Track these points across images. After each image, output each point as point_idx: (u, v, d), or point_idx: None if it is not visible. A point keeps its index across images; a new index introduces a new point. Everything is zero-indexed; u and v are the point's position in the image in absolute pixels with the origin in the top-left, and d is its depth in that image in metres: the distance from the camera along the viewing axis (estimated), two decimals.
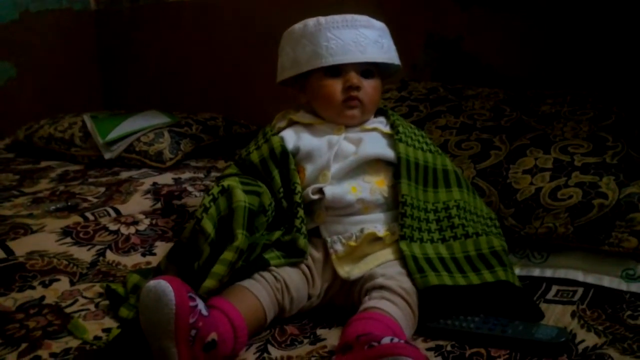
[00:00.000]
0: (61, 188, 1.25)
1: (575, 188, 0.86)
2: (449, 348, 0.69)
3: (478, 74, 1.35)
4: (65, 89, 2.05)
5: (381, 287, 0.72)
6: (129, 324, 0.70)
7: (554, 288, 0.82)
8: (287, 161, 0.83)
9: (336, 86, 0.85)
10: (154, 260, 0.91)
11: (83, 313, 0.75)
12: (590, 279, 0.82)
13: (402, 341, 0.61)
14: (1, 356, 0.65)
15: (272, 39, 0.97)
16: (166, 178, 1.35)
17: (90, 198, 1.17)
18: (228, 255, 0.72)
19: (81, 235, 0.94)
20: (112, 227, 0.98)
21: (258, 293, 0.73)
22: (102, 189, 1.23)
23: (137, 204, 1.13)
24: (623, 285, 0.79)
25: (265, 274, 0.75)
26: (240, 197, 0.76)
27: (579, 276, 0.83)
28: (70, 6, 2.11)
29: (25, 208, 1.10)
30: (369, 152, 0.83)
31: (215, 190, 0.77)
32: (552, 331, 0.67)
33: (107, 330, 0.72)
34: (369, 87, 0.86)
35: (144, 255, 0.93)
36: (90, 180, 1.35)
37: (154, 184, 1.28)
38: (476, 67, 1.37)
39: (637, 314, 0.73)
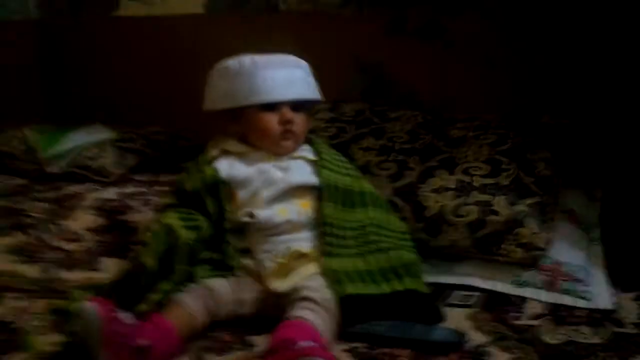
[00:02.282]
0: (4, 204, 1.29)
1: (473, 206, 0.99)
2: (361, 349, 0.81)
3: (401, 98, 1.48)
4: (6, 99, 2.05)
5: (305, 299, 0.83)
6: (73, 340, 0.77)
7: (456, 293, 0.95)
8: (218, 191, 0.92)
9: (272, 120, 0.96)
10: (97, 277, 0.98)
11: (30, 329, 0.82)
12: (486, 285, 0.95)
13: (317, 345, 0.71)
14: None
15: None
16: (110, 193, 1.40)
17: (33, 214, 1.22)
18: (166, 286, 0.82)
19: (26, 253, 1.00)
20: (56, 243, 1.05)
21: (187, 302, 0.82)
22: (45, 205, 1.28)
23: (82, 221, 1.19)
24: (512, 290, 0.93)
25: (194, 285, 0.85)
26: (183, 235, 0.85)
27: (477, 282, 0.96)
28: (9, 16, 2.11)
29: None
30: (295, 180, 0.94)
31: (159, 228, 0.86)
32: (447, 333, 0.80)
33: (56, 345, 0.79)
34: (299, 120, 0.98)
35: (89, 270, 1.00)
36: (35, 194, 1.39)
37: (98, 199, 1.35)
38: (399, 91, 1.50)
39: (519, 315, 0.87)
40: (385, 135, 1.22)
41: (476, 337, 0.81)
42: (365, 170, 1.12)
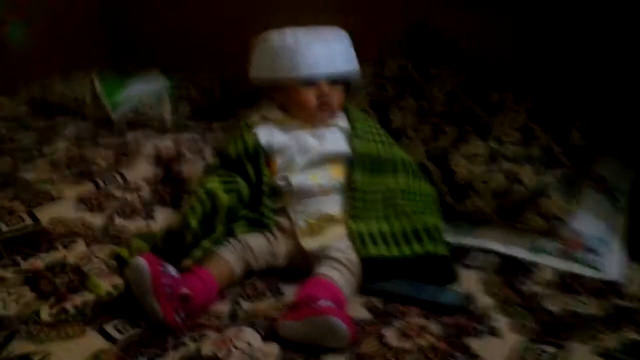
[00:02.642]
0: (75, 151, 1.44)
1: (500, 174, 1.03)
2: (377, 304, 0.90)
3: (447, 54, 1.47)
4: (73, 45, 2.18)
5: (331, 258, 0.92)
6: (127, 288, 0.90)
7: (474, 254, 1.02)
8: (258, 157, 1.01)
9: (310, 94, 1.02)
10: (154, 225, 1.11)
11: (96, 271, 0.96)
12: (504, 249, 1.01)
13: (335, 305, 0.81)
14: (35, 307, 0.87)
15: None
16: (167, 141, 1.52)
17: (99, 161, 1.36)
18: (207, 243, 0.93)
19: (92, 202, 1.14)
20: (117, 193, 1.18)
21: (226, 256, 0.94)
22: (109, 152, 1.41)
23: (140, 169, 1.32)
24: (527, 256, 0.99)
25: (232, 239, 0.96)
26: (224, 199, 0.95)
27: (495, 246, 1.02)
28: None
29: (45, 172, 1.30)
30: (328, 149, 1.02)
31: (202, 193, 0.96)
32: (454, 297, 0.87)
33: (116, 287, 0.93)
34: (336, 93, 1.04)
35: (145, 219, 1.13)
36: (100, 141, 1.53)
37: (156, 147, 1.47)
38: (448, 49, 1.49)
39: (528, 281, 0.92)
40: (423, 97, 1.26)
41: (483, 300, 0.89)
42: (400, 132, 1.17)
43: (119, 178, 1.27)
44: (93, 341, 0.81)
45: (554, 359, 0.74)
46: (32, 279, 0.93)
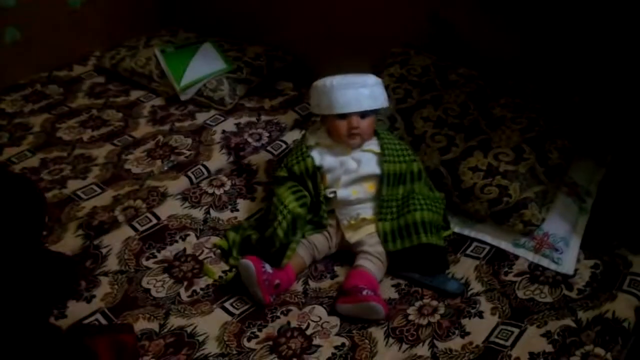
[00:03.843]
0: (160, 138, 1.80)
1: (495, 187, 1.39)
2: (403, 286, 1.32)
3: (464, 49, 1.75)
4: (126, 9, 2.42)
5: (366, 252, 1.34)
6: (236, 279, 1.32)
7: (474, 244, 1.42)
8: (316, 176, 1.39)
9: (342, 126, 1.38)
10: (239, 215, 1.51)
11: (208, 259, 1.39)
12: (494, 242, 1.40)
13: (372, 293, 1.23)
14: (176, 290, 1.30)
15: None
16: (230, 124, 1.88)
17: (184, 151, 1.73)
18: (294, 245, 1.34)
19: (193, 199, 1.54)
20: (209, 190, 1.57)
21: (300, 252, 1.35)
22: (189, 141, 1.77)
23: (218, 160, 1.69)
24: (510, 249, 1.38)
25: (304, 240, 1.37)
26: (301, 213, 1.34)
27: (488, 239, 1.41)
28: None
29: (146, 164, 1.67)
30: (364, 171, 1.40)
31: (286, 212, 1.33)
32: (456, 285, 1.29)
33: (224, 272, 1.36)
34: (365, 124, 1.39)
35: (232, 211, 1.53)
36: (176, 124, 1.88)
37: (223, 131, 1.83)
38: (463, 43, 1.76)
39: (509, 272, 1.33)
40: (441, 107, 1.58)
41: (475, 286, 1.30)
42: (422, 139, 1.52)
43: (204, 170, 1.65)
44: (220, 315, 1.26)
45: (515, 337, 1.16)
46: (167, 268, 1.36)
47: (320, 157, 1.41)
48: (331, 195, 1.39)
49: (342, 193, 1.39)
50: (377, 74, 1.70)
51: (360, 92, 1.37)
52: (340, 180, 1.39)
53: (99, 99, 2.05)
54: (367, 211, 1.39)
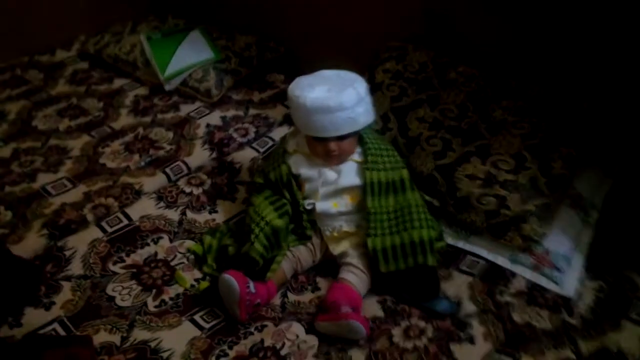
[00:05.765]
0: (140, 130, 1.70)
1: (493, 198, 1.28)
2: (389, 303, 1.22)
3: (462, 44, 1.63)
4: None
5: (349, 264, 1.24)
6: (209, 289, 1.22)
7: (467, 258, 1.31)
8: (291, 184, 1.28)
9: (319, 148, 1.25)
10: (218, 218, 1.41)
11: (181, 266, 1.29)
12: (490, 257, 1.30)
13: (353, 310, 1.13)
14: (143, 299, 1.21)
15: None
16: (215, 117, 1.77)
17: (165, 145, 1.63)
18: (280, 258, 1.23)
19: (169, 199, 1.43)
20: (187, 189, 1.47)
21: (283, 266, 1.25)
22: (171, 135, 1.67)
23: (199, 157, 1.59)
24: (508, 265, 1.28)
25: (287, 252, 1.27)
26: (281, 224, 1.23)
27: (484, 253, 1.31)
28: None
29: (122, 159, 1.57)
30: (344, 183, 1.27)
31: (263, 224, 1.22)
32: (447, 305, 1.18)
33: (197, 280, 1.26)
34: (344, 145, 1.25)
35: (210, 213, 1.43)
36: (159, 116, 1.78)
37: (208, 125, 1.72)
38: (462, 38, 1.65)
39: (505, 291, 1.22)
40: (438, 107, 1.46)
41: (467, 307, 1.20)
42: (416, 141, 1.41)
43: (184, 167, 1.55)
44: (188, 328, 1.16)
45: None
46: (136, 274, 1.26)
47: (298, 165, 1.30)
48: (309, 207, 1.28)
49: (321, 206, 1.28)
50: (372, 69, 1.62)
51: (337, 116, 1.20)
52: (318, 191, 1.28)
53: (80, 86, 1.95)
54: (349, 224, 1.29)
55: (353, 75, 1.28)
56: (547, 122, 1.38)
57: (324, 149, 1.24)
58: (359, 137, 1.30)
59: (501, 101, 1.45)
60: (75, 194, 1.44)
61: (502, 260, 1.29)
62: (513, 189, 1.28)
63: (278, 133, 1.69)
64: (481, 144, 1.37)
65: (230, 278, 1.14)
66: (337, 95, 1.19)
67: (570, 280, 1.23)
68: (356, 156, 1.29)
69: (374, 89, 1.53)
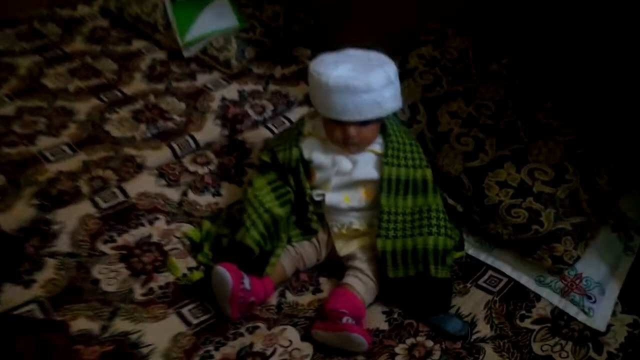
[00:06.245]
0: (151, 98, 1.59)
1: (525, 210, 1.15)
2: (395, 315, 1.10)
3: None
4: None
5: (356, 269, 1.12)
6: (202, 281, 1.12)
7: (489, 274, 1.18)
8: (298, 171, 1.15)
9: (338, 132, 1.11)
10: (221, 202, 1.31)
11: (175, 252, 1.19)
12: (514, 275, 1.17)
13: (354, 322, 1.02)
14: (130, 285, 1.12)
15: None
16: (232, 91, 1.65)
17: (175, 117, 1.52)
18: (279, 251, 1.13)
19: (171, 177, 1.33)
20: (191, 167, 1.36)
21: (283, 261, 1.14)
22: (183, 106, 1.56)
23: (209, 132, 1.48)
24: (533, 287, 1.14)
25: (289, 246, 1.16)
26: (281, 214, 1.12)
27: (507, 270, 1.18)
28: None
29: (128, 127, 1.47)
30: (360, 175, 1.14)
31: (262, 211, 1.11)
32: (458, 326, 1.06)
33: (190, 269, 1.16)
34: (365, 132, 1.11)
35: (213, 195, 1.32)
36: (173, 84, 1.67)
37: (223, 99, 1.61)
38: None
39: (526, 317, 1.10)
40: (474, 102, 1.32)
41: (482, 329, 1.07)
42: (445, 138, 1.27)
43: (191, 142, 1.44)
44: (174, 322, 1.07)
45: None
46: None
47: (311, 150, 1.17)
48: (318, 199, 1.16)
49: (331, 198, 1.15)
50: (406, 52, 1.47)
51: (362, 98, 1.07)
52: (330, 181, 1.15)
53: (97, 45, 1.85)
54: (361, 221, 1.16)
55: (382, 57, 1.15)
56: (596, 132, 1.22)
57: (343, 134, 1.11)
58: (381, 125, 1.17)
59: (546, 102, 1.30)
60: (73, 163, 1.35)
61: (526, 280, 1.16)
62: (549, 203, 1.14)
63: (296, 113, 1.57)
64: (518, 149, 1.22)
65: (223, 271, 1.04)
66: (364, 75, 1.07)
67: (603, 312, 1.09)
68: (376, 147, 1.16)
69: (405, 75, 1.39)
